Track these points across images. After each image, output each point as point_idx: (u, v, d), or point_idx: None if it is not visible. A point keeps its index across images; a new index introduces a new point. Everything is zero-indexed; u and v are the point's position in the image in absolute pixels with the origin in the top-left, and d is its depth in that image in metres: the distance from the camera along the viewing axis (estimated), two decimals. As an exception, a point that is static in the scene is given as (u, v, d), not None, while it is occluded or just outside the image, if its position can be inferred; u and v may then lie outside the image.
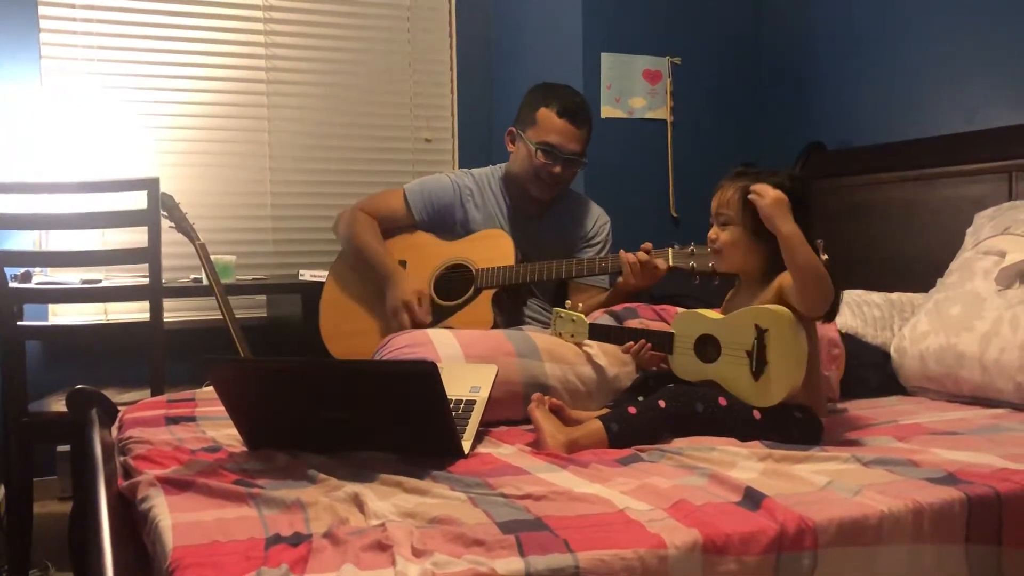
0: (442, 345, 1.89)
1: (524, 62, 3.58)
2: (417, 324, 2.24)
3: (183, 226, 2.75)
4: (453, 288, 2.38)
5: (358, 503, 1.24)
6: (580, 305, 1.95)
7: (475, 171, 2.59)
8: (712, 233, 1.76)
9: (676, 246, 2.16)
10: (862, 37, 3.03)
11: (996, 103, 2.60)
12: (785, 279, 1.65)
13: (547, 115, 2.39)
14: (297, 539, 1.12)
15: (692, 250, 2.10)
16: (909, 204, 2.71)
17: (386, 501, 1.25)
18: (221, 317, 2.68)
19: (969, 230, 2.35)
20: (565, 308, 1.93)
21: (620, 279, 2.22)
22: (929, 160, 2.68)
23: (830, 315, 1.71)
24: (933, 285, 2.28)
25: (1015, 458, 1.48)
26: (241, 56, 3.42)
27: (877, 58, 2.97)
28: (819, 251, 1.65)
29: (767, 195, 1.61)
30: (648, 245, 2.19)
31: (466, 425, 1.61)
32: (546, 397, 1.70)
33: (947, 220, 2.53)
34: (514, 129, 2.48)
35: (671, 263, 2.13)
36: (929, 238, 2.59)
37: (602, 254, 2.48)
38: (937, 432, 1.73)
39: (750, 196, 1.64)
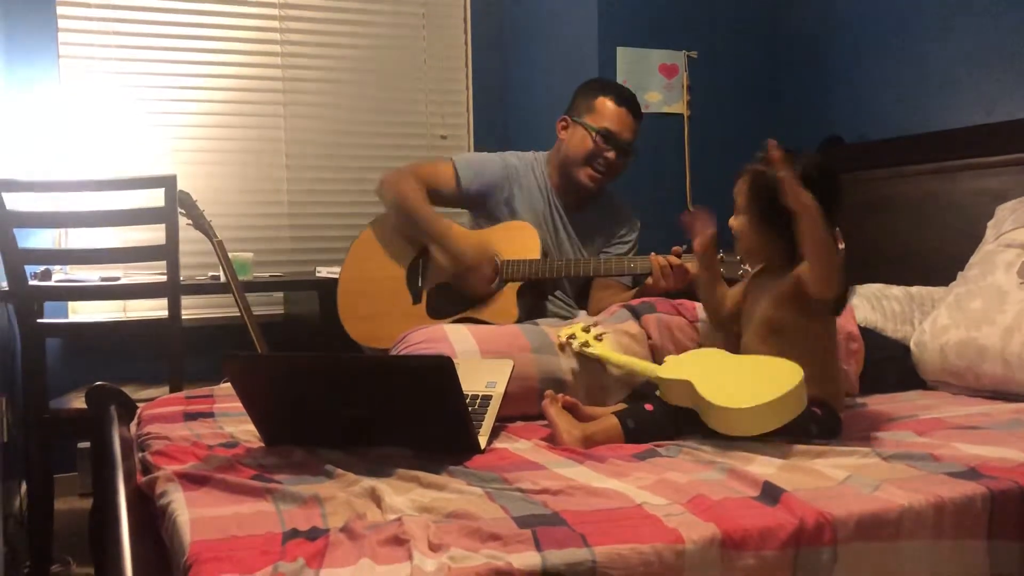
0: (458, 340, 1.89)
1: (539, 58, 3.57)
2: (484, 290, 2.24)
3: (200, 223, 2.76)
4: None
5: (375, 498, 1.24)
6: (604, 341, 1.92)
7: (519, 153, 2.59)
8: (731, 219, 1.74)
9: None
10: (880, 29, 3.00)
11: (1016, 95, 2.57)
12: (803, 269, 1.63)
13: (605, 103, 2.42)
14: (314, 533, 1.12)
15: (721, 256, 2.09)
16: (929, 197, 2.68)
17: (403, 496, 1.25)
18: (239, 314, 2.69)
19: (990, 223, 2.33)
20: (593, 331, 1.92)
21: (649, 280, 2.22)
22: (949, 153, 2.65)
23: (838, 307, 1.69)
24: (953, 279, 2.26)
25: (1038, 452, 1.46)
26: (258, 54, 3.43)
27: (895, 50, 2.94)
28: (837, 240, 1.64)
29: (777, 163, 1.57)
30: (678, 248, 2.18)
31: (482, 420, 1.61)
32: (559, 395, 1.69)
33: (967, 213, 2.50)
34: (568, 117, 2.48)
35: (694, 267, 2.12)
36: (949, 231, 2.57)
37: (629, 255, 2.49)
38: (958, 427, 1.71)
39: (760, 167, 1.60)
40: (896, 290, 2.38)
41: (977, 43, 2.68)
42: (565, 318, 2.24)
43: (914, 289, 2.38)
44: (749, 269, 1.95)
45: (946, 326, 2.09)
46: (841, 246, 1.65)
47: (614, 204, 2.59)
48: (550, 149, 2.57)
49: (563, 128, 2.49)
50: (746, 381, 1.54)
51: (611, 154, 2.39)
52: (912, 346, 2.16)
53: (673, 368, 1.65)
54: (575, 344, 1.89)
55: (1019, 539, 1.32)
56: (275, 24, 3.45)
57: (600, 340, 1.89)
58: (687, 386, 1.55)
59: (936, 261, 2.51)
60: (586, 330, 1.92)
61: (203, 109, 3.36)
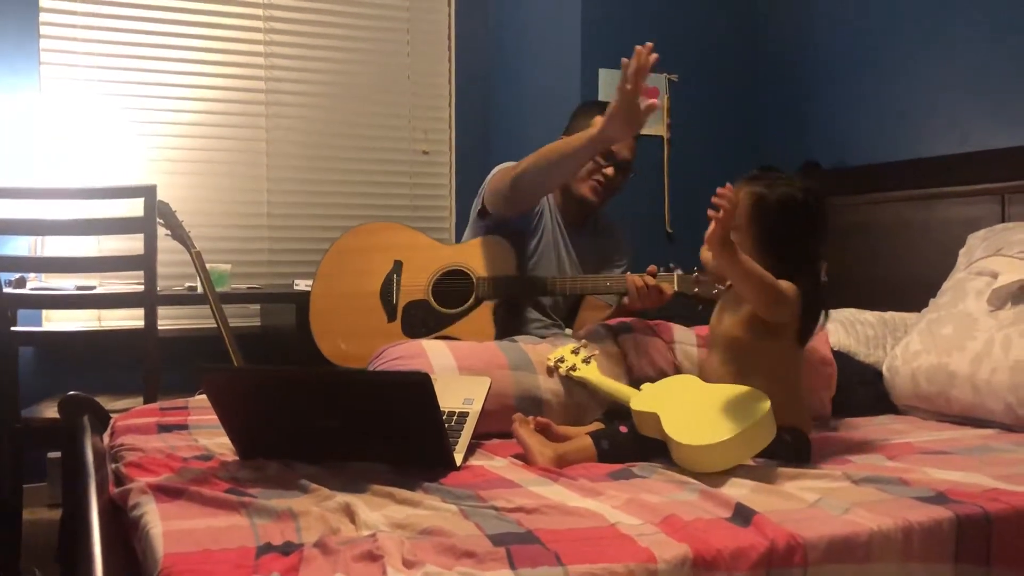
0: (436, 356, 1.90)
1: (523, 77, 3.60)
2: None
3: (179, 234, 2.75)
4: (451, 295, 2.37)
5: (349, 513, 1.24)
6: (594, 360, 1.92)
7: None
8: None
9: (680, 271, 2.16)
10: (858, 56, 3.05)
11: (990, 126, 2.63)
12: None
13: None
14: (288, 548, 1.12)
15: (696, 276, 2.11)
16: (903, 224, 2.73)
17: (377, 512, 1.25)
18: (215, 325, 2.68)
19: (962, 251, 2.37)
20: (582, 353, 1.93)
21: (625, 299, 2.22)
22: (923, 181, 2.70)
23: (803, 337, 1.71)
24: (926, 305, 2.30)
25: (1005, 478, 1.49)
26: (240, 66, 3.44)
27: (873, 78, 3.00)
28: (821, 273, 1.66)
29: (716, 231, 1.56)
30: (654, 268, 2.19)
31: (459, 437, 1.61)
32: (529, 417, 1.69)
33: (940, 240, 2.54)
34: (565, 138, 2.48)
35: (676, 288, 2.14)
36: (922, 258, 2.61)
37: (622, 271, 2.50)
38: (928, 451, 1.73)
39: (714, 199, 1.59)
40: (869, 315, 2.41)
41: (952, 72, 2.74)
42: (542, 336, 2.24)
43: (887, 314, 2.41)
44: (698, 291, 1.98)
45: (918, 352, 2.12)
46: (824, 278, 1.67)
47: (610, 227, 2.59)
48: None
49: None
50: (714, 413, 1.54)
51: (609, 170, 2.40)
52: (884, 371, 2.19)
53: (645, 398, 1.65)
54: (563, 368, 1.90)
55: (984, 563, 1.33)
56: (259, 36, 3.46)
57: (588, 363, 1.90)
58: (655, 419, 1.56)
59: (909, 287, 2.55)
60: (575, 352, 1.93)
61: (184, 119, 3.35)
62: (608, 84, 3.22)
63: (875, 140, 2.98)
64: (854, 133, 3.06)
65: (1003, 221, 2.42)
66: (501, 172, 2.33)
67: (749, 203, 1.67)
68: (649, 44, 1.85)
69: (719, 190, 1.56)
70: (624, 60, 1.89)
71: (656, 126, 3.29)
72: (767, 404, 1.51)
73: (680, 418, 1.54)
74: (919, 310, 2.32)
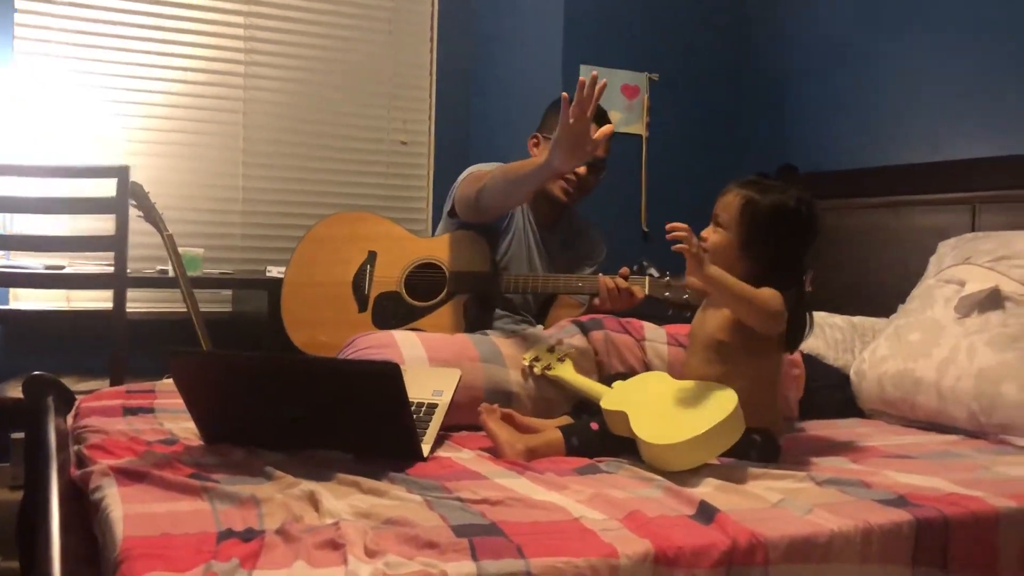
0: (407, 347, 1.89)
1: (504, 70, 3.59)
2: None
3: (152, 216, 2.72)
4: (423, 288, 2.36)
5: (313, 501, 1.24)
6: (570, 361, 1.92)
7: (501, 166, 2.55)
8: (705, 232, 1.74)
9: (654, 273, 2.17)
10: (838, 64, 3.08)
11: (962, 135, 2.66)
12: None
13: None
14: (249, 534, 1.11)
15: (668, 281, 2.11)
16: (875, 230, 2.76)
17: (342, 500, 1.25)
18: (185, 310, 2.66)
19: (932, 258, 2.40)
20: (557, 351, 1.92)
21: (596, 300, 2.23)
22: (896, 188, 2.73)
23: (793, 344, 1.72)
24: (895, 311, 2.32)
25: (965, 483, 1.51)
26: (219, 48, 3.40)
27: (850, 86, 3.02)
28: (807, 283, 1.67)
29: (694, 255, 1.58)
30: (626, 271, 2.19)
31: (427, 428, 1.61)
32: (495, 406, 1.69)
33: (911, 247, 2.56)
34: (539, 134, 2.47)
35: (647, 292, 2.14)
36: (893, 264, 2.63)
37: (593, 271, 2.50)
38: (891, 455, 1.75)
39: (674, 234, 1.59)
40: (839, 319, 2.43)
41: (927, 83, 2.77)
42: (512, 331, 2.24)
43: (856, 319, 2.44)
44: (669, 296, 1.98)
45: (885, 357, 2.14)
46: (808, 289, 1.68)
47: (583, 226, 2.59)
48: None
49: (534, 145, 2.49)
50: (681, 412, 1.55)
51: (582, 169, 2.39)
52: (852, 375, 2.21)
53: (615, 397, 1.66)
54: (538, 367, 1.90)
55: (941, 567, 1.35)
56: (240, 19, 3.43)
57: (563, 361, 1.90)
58: (624, 417, 1.57)
59: (879, 293, 2.57)
60: (551, 350, 1.93)
61: (161, 100, 3.32)
62: (589, 81, 3.22)
63: (850, 146, 3.01)
64: (830, 139, 3.09)
65: (973, 230, 2.45)
66: (470, 179, 2.33)
67: (740, 206, 1.69)
68: (595, 74, 1.81)
69: (669, 225, 1.58)
70: (564, 95, 1.86)
71: (635, 125, 3.30)
72: (734, 402, 1.52)
73: (649, 417, 1.55)
74: (888, 315, 2.34)
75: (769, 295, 1.61)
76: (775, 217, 1.68)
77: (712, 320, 1.73)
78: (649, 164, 3.32)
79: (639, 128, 3.31)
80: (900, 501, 1.39)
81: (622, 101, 3.28)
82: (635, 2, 3.33)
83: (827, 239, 2.84)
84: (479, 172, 2.33)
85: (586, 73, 3.14)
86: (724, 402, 1.53)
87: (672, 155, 3.34)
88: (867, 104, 2.97)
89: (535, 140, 2.48)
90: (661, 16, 3.36)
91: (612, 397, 1.66)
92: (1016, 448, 1.85)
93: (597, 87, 1.80)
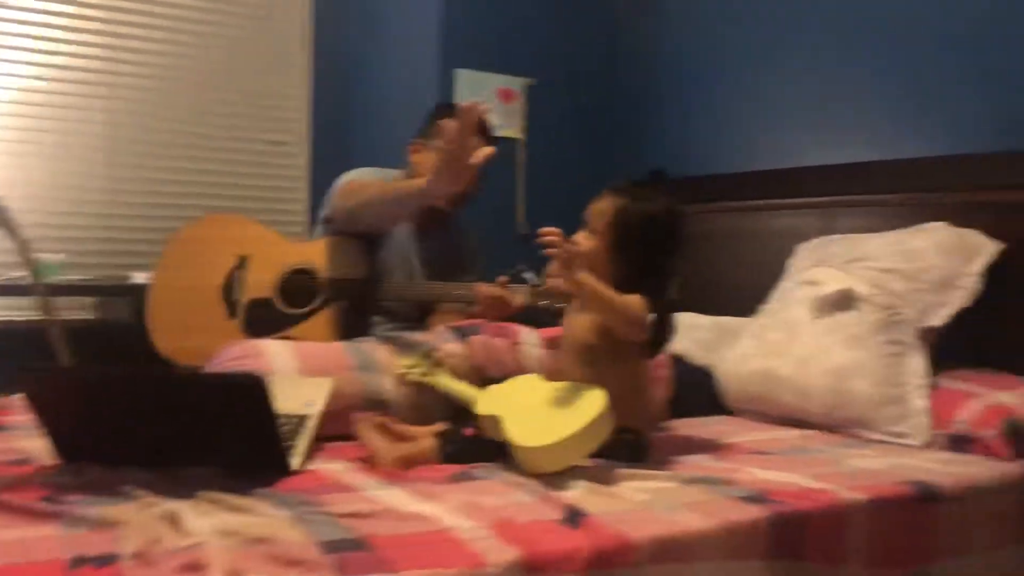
0: (277, 357, 1.85)
1: (381, 73, 3.56)
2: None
3: (4, 219, 2.56)
4: (297, 295, 2.31)
5: (174, 521, 1.19)
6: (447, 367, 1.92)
7: (390, 172, 2.52)
8: (578, 236, 1.76)
9: (533, 275, 2.19)
10: (706, 72, 3.19)
11: (820, 142, 2.80)
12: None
13: None
14: (104, 560, 1.06)
15: (545, 289, 2.13)
16: (738, 233, 2.87)
17: (205, 519, 1.21)
18: (42, 319, 2.51)
19: (791, 260, 2.51)
20: (435, 355, 1.92)
21: (475, 308, 2.23)
22: (758, 193, 2.84)
23: (655, 350, 1.77)
24: (758, 311, 2.42)
25: (819, 478, 1.59)
26: (79, 43, 3.24)
27: (718, 93, 3.14)
28: (674, 289, 1.72)
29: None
30: (504, 279, 2.20)
31: (298, 441, 1.58)
32: (370, 414, 1.68)
33: (773, 250, 2.67)
34: (420, 141, 2.45)
35: (526, 300, 2.16)
36: (756, 266, 2.74)
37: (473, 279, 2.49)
38: (753, 452, 1.83)
39: (546, 239, 1.61)
40: (705, 319, 2.52)
41: (787, 93, 2.90)
42: (390, 337, 2.23)
43: (722, 319, 2.53)
44: (548, 303, 2.01)
45: (747, 356, 2.23)
46: (675, 295, 1.73)
47: (463, 234, 2.59)
48: (401, 167, 2.53)
49: (415, 152, 2.47)
50: (552, 414, 1.57)
51: None
52: (717, 374, 2.29)
53: (489, 401, 1.67)
54: (414, 375, 1.88)
55: (798, 559, 1.42)
56: (100, 14, 3.27)
57: (439, 367, 1.90)
58: (497, 421, 1.58)
59: (744, 294, 2.67)
60: (426, 356, 1.92)
61: (12, 97, 3.13)
62: (465, 85, 3.23)
63: (717, 152, 3.12)
64: (697, 144, 3.20)
65: (828, 234, 2.58)
66: (348, 190, 2.30)
67: (612, 212, 1.72)
68: (476, 101, 1.80)
69: (541, 230, 1.60)
70: (447, 122, 1.86)
71: (512, 128, 3.33)
72: (602, 403, 1.55)
73: (521, 420, 1.57)
74: (752, 315, 2.44)
75: (633, 302, 1.65)
76: (645, 225, 1.73)
77: (580, 324, 1.76)
78: (526, 168, 3.35)
79: (516, 132, 3.34)
80: (759, 497, 1.45)
81: (498, 105, 3.30)
82: (511, 8, 3.36)
83: (694, 242, 2.96)
84: (358, 182, 2.30)
85: (462, 78, 3.17)
86: (593, 403, 1.56)
87: (549, 158, 3.39)
88: (733, 112, 3.09)
89: (416, 147, 2.46)
90: (537, 22, 3.40)
91: (486, 402, 1.67)
92: (865, 442, 1.96)
93: (478, 111, 1.79)
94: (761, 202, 2.83)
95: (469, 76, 3.25)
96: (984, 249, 2.17)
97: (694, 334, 2.46)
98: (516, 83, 3.33)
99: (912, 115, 2.58)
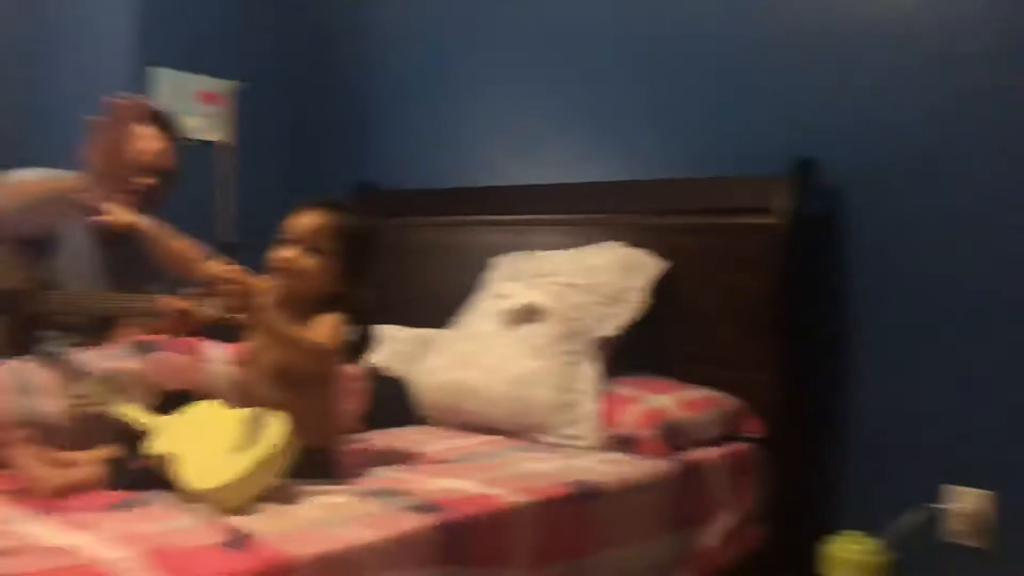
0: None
1: (65, 64, 3.29)
2: None
3: None
4: None
5: None
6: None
7: (61, 174, 2.29)
8: (290, 253, 1.72)
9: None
10: (415, 88, 3.26)
11: (515, 162, 2.96)
12: (320, 321, 1.69)
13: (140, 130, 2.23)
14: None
15: (201, 297, 2.06)
16: (442, 247, 2.96)
17: None
18: None
19: (486, 274, 2.64)
20: (108, 378, 1.79)
21: (160, 322, 2.12)
22: (460, 208, 2.95)
23: (356, 355, 1.79)
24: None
25: (490, 483, 1.68)
26: None
27: (425, 109, 3.22)
28: (372, 302, 1.74)
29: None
30: (193, 291, 2.11)
31: (-67, 473, 1.42)
32: (25, 438, 1.56)
33: (472, 264, 2.78)
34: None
35: (216, 314, 2.08)
36: (457, 279, 2.83)
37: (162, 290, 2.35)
38: (437, 461, 1.90)
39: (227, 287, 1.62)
40: (405, 332, 2.58)
41: (489, 114, 3.04)
42: (53, 356, 2.06)
43: (421, 331, 2.60)
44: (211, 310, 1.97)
45: (440, 367, 2.31)
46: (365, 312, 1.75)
47: None
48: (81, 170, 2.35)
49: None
50: (230, 446, 1.52)
51: (150, 181, 2.27)
52: (412, 384, 2.35)
53: (165, 436, 1.59)
54: (85, 404, 1.75)
55: (465, 563, 1.49)
56: None
57: (114, 393, 1.77)
58: (172, 460, 1.52)
59: (446, 306, 2.76)
60: (100, 381, 1.79)
61: None
62: (164, 85, 3.07)
63: (425, 167, 3.20)
64: (406, 159, 3.26)
65: (522, 249, 2.72)
66: (5, 191, 2.11)
67: (324, 228, 1.72)
68: (134, 100, 1.74)
69: (220, 272, 1.59)
70: (100, 119, 1.77)
71: (219, 133, 3.21)
72: (281, 432, 1.53)
73: (198, 457, 1.51)
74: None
75: (324, 335, 1.66)
76: (343, 238, 1.74)
77: (268, 348, 1.73)
78: (235, 174, 3.25)
79: (223, 136, 3.22)
80: (430, 507, 1.51)
81: (202, 108, 3.17)
82: (219, 7, 3.24)
83: (400, 255, 3.03)
84: (18, 185, 2.11)
85: (160, 78, 2.99)
86: (272, 433, 1.53)
87: (259, 166, 3.31)
88: (440, 129, 3.18)
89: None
90: (248, 23, 3.32)
91: (162, 437, 1.59)
92: (544, 445, 2.10)
93: (134, 108, 1.71)
94: (463, 218, 2.94)
95: (169, 76, 3.10)
96: (650, 267, 2.40)
97: (394, 346, 2.50)
98: (222, 86, 3.22)
99: (595, 143, 2.80)
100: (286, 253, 1.72)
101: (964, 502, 2.09)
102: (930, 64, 2.17)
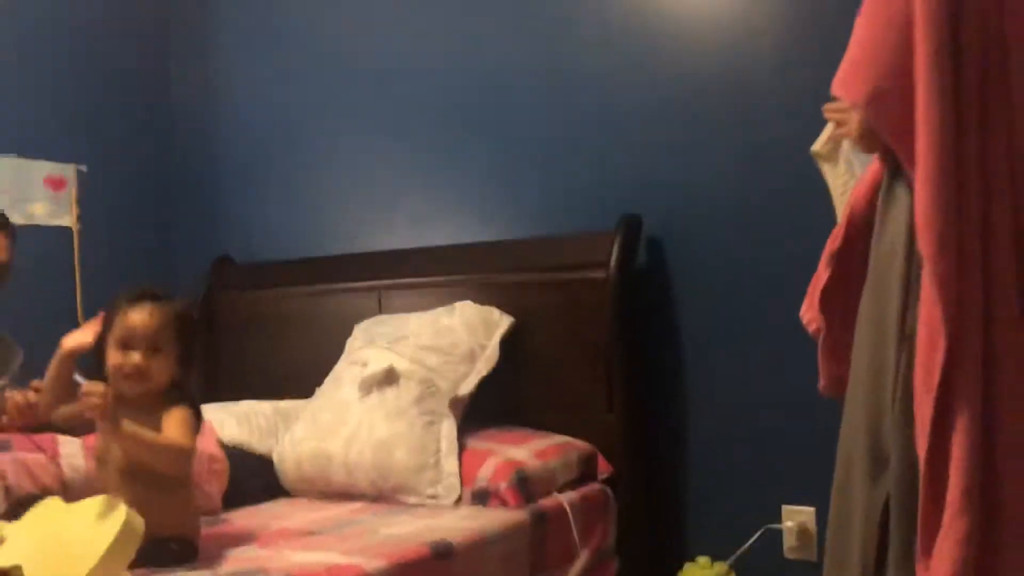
0: None
1: None
2: None
3: None
4: None
5: None
6: None
7: None
8: (136, 358, 1.74)
9: (78, 380, 2.10)
10: (270, 162, 3.31)
11: (373, 230, 3.05)
12: (172, 418, 1.73)
13: None
14: None
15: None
16: (303, 316, 3.00)
17: None
18: None
19: (348, 340, 2.70)
20: None
21: (4, 418, 2.09)
22: (319, 277, 3.01)
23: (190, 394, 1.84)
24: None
25: (350, 552, 1.75)
26: None
27: (278, 181, 3.28)
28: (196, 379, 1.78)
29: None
30: (37, 384, 2.09)
31: None
32: None
33: (333, 332, 2.84)
34: None
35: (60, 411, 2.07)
36: (318, 348, 2.89)
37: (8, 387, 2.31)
38: (300, 533, 1.94)
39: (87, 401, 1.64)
40: (265, 405, 2.62)
41: (345, 183, 3.12)
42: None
43: (282, 403, 2.64)
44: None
45: (302, 438, 2.37)
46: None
47: None
48: None
49: None
50: (76, 543, 1.53)
51: None
52: (275, 458, 2.39)
53: (8, 547, 1.57)
54: None
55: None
56: None
57: None
58: (19, 571, 1.52)
59: (307, 375, 2.80)
60: None
61: None
62: (7, 173, 3.04)
63: (282, 238, 3.25)
64: (263, 231, 3.30)
65: (382, 313, 2.81)
66: None
67: (173, 324, 1.77)
68: None
69: (84, 388, 1.63)
70: None
71: (63, 217, 3.18)
72: (119, 517, 1.55)
73: (44, 560, 1.52)
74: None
75: (180, 436, 1.71)
76: (175, 326, 1.79)
77: (120, 448, 1.75)
78: (83, 257, 3.21)
79: (68, 220, 3.19)
80: (288, 583, 1.57)
81: (46, 192, 3.14)
82: (56, 90, 3.22)
83: (260, 327, 3.06)
84: None
85: (4, 166, 2.98)
86: (112, 518, 1.55)
87: (109, 247, 3.28)
88: (294, 200, 3.24)
89: None
90: (87, 109, 3.31)
91: (7, 546, 1.58)
92: (406, 507, 2.18)
93: None
94: (324, 286, 2.99)
95: (12, 163, 3.06)
96: (501, 323, 2.52)
97: (255, 421, 2.53)
98: (66, 170, 3.20)
99: (442, 206, 2.92)
100: (134, 359, 1.74)
101: (795, 520, 2.28)
102: (726, 121, 2.39)
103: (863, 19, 1.35)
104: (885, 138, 1.31)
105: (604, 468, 2.36)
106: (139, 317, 1.76)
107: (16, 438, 2.00)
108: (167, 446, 1.70)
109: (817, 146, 1.87)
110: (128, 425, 1.64)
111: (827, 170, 1.89)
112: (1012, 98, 1.25)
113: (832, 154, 1.86)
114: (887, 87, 1.26)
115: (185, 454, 1.73)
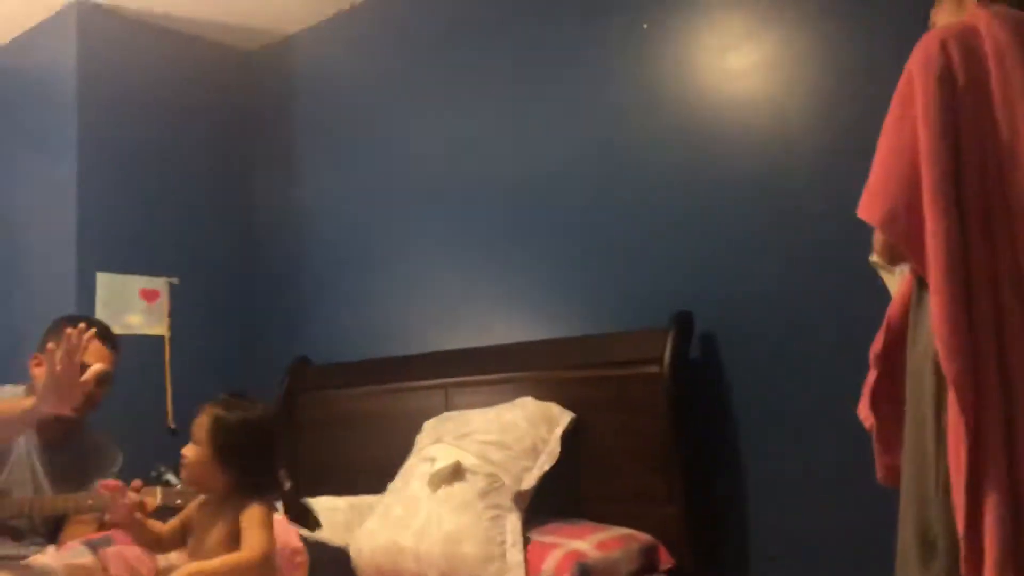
0: None
1: (12, 280, 3.51)
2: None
3: None
4: None
5: None
6: None
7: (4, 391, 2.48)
8: (186, 449, 1.94)
9: (172, 480, 2.28)
10: (339, 268, 3.55)
11: (438, 330, 3.23)
12: (246, 519, 1.88)
13: None
14: None
15: (179, 490, 2.24)
16: (376, 414, 3.18)
17: None
18: None
19: (418, 436, 2.85)
20: None
21: (108, 516, 2.26)
22: (390, 376, 3.19)
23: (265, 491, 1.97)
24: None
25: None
26: None
27: (351, 286, 3.51)
28: (283, 480, 1.93)
29: None
30: (138, 483, 2.27)
31: None
32: None
33: (405, 428, 2.99)
34: (39, 355, 2.45)
35: (159, 502, 2.24)
36: (390, 444, 3.05)
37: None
38: (374, 623, 2.07)
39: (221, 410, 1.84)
40: (341, 501, 2.76)
41: (411, 287, 3.33)
42: (8, 559, 2.19)
43: (356, 499, 2.79)
44: (181, 503, 2.15)
45: (375, 531, 2.50)
46: (287, 484, 1.94)
47: (98, 441, 2.61)
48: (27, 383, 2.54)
49: (36, 366, 2.48)
50: None
51: (94, 389, 2.44)
52: (351, 550, 2.53)
53: None
54: None
55: None
56: None
57: None
58: None
59: (380, 470, 2.95)
60: None
61: None
62: (106, 288, 3.32)
63: (355, 340, 3.45)
64: (339, 333, 3.51)
65: (448, 410, 2.96)
66: None
67: (209, 424, 1.94)
68: (82, 326, 1.95)
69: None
70: (50, 346, 1.98)
71: (156, 326, 3.44)
72: None
73: None
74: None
75: (255, 538, 1.85)
76: (240, 431, 1.96)
77: (217, 528, 1.91)
78: (173, 364, 3.46)
79: (161, 329, 3.45)
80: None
81: (141, 304, 3.42)
82: (150, 209, 3.53)
83: (336, 426, 3.24)
84: None
85: (102, 282, 3.25)
86: None
87: (196, 355, 3.53)
88: (367, 304, 3.46)
89: (36, 361, 2.49)
90: (177, 220, 3.60)
91: None
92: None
93: (85, 337, 1.93)
94: (394, 385, 3.17)
95: (109, 279, 3.35)
96: (561, 418, 2.65)
97: (333, 515, 2.68)
98: (158, 283, 3.48)
99: (510, 307, 3.09)
100: (184, 450, 1.95)
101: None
102: (769, 223, 2.53)
103: (880, 146, 1.51)
104: (905, 254, 1.45)
105: (666, 560, 2.42)
106: (197, 418, 1.97)
107: (117, 533, 2.17)
108: (235, 566, 1.83)
109: (874, 257, 1.99)
110: (190, 566, 1.80)
111: (886, 278, 2.00)
112: (1013, 209, 1.38)
113: (888, 263, 1.98)
114: (900, 210, 1.41)
115: (256, 563, 1.84)
